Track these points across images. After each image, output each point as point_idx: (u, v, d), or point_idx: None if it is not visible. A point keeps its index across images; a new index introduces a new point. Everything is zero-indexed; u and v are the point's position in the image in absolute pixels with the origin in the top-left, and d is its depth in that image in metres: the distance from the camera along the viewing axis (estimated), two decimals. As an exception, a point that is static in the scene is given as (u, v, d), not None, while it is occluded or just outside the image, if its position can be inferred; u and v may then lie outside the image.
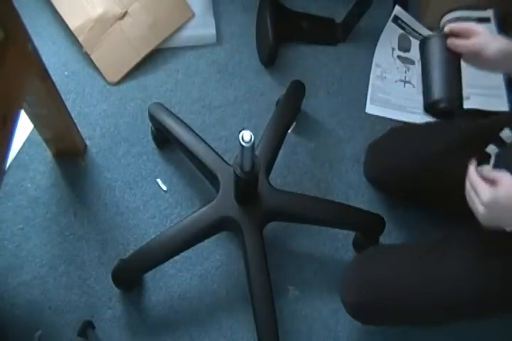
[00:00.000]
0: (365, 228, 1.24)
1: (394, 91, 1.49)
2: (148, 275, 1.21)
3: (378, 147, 1.28)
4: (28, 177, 1.30)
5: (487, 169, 0.91)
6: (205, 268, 1.24)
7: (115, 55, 1.44)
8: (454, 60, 0.97)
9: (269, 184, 1.15)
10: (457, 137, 1.12)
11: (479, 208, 0.85)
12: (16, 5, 0.87)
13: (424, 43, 0.99)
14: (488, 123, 1.13)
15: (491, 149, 1.00)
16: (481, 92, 1.41)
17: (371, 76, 1.51)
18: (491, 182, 0.84)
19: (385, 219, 1.21)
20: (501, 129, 0.98)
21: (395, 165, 1.19)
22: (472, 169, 0.89)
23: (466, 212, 0.90)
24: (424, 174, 1.14)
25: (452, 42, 0.94)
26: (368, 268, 1.05)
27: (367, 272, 1.04)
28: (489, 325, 1.21)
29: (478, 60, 0.94)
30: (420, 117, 1.44)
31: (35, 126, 1.25)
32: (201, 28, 1.51)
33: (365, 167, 1.34)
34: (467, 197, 0.89)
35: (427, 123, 1.26)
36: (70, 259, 1.22)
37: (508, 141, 0.98)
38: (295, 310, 1.22)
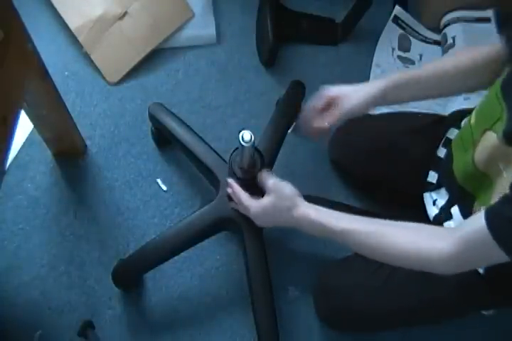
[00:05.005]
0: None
1: (394, 91, 1.49)
2: (148, 276, 1.21)
3: (344, 128, 1.27)
4: (28, 177, 1.30)
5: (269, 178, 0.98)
6: (205, 268, 1.24)
7: (115, 55, 1.43)
8: None
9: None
10: (420, 121, 1.16)
11: (251, 216, 0.99)
12: (16, 5, 0.87)
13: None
14: (449, 115, 1.16)
15: (453, 133, 1.00)
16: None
17: (371, 76, 1.51)
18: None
19: (385, 219, 1.20)
20: (462, 119, 1.00)
21: (360, 143, 1.22)
22: (235, 184, 1.01)
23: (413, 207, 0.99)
24: (384, 153, 1.16)
25: None
26: (332, 284, 1.11)
27: (332, 286, 1.11)
28: (489, 324, 1.21)
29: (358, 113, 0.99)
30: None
31: (35, 126, 1.25)
32: (201, 28, 1.51)
33: (330, 147, 1.35)
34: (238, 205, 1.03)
35: (392, 112, 1.30)
36: (70, 259, 1.22)
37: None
38: (295, 310, 1.22)
